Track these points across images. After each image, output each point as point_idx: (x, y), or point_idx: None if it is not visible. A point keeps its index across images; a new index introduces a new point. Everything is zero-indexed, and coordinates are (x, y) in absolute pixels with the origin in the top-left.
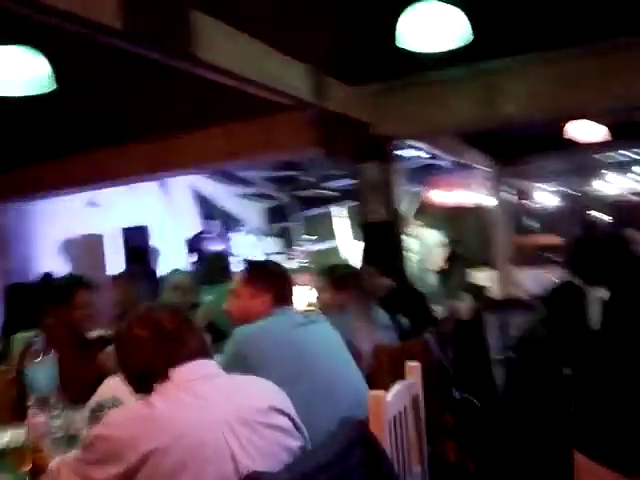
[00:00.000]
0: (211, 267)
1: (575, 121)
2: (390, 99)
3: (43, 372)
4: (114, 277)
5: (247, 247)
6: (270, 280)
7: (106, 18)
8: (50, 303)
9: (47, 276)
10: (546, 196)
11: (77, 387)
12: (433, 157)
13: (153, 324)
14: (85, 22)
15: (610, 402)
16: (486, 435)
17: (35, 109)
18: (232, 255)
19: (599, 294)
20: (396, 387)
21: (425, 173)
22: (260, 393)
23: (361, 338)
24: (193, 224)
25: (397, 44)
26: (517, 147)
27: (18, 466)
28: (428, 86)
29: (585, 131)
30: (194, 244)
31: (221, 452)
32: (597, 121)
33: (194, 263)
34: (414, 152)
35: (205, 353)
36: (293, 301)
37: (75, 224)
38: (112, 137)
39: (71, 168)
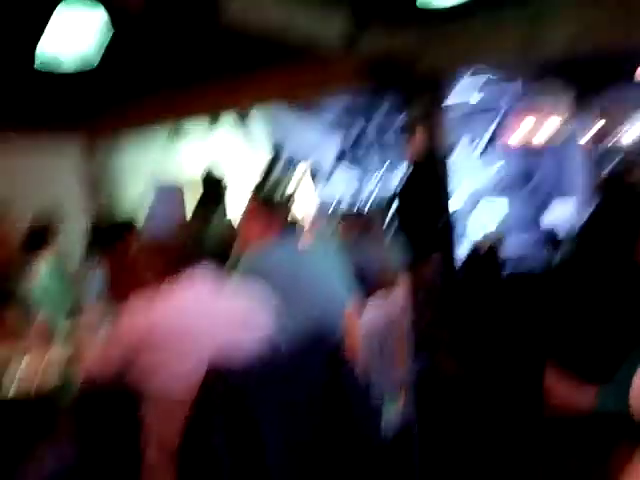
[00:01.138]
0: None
1: None
2: (436, 34)
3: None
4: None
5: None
6: (277, 208)
7: None
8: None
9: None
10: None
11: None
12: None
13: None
14: None
15: (581, 320)
16: (478, 350)
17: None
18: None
19: None
20: (375, 303)
21: (505, 99)
22: (244, 297)
23: (374, 260)
24: (269, 157)
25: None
26: (599, 78)
27: None
28: (474, 19)
29: None
30: (267, 177)
31: (202, 341)
32: None
33: None
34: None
35: (201, 261)
36: (299, 228)
37: (160, 164)
38: (192, 77)
39: (151, 108)
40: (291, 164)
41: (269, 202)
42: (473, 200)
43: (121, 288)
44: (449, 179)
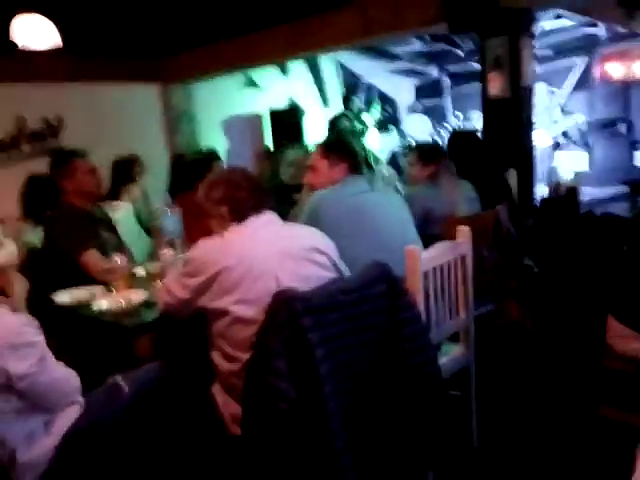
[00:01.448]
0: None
1: None
2: None
3: (172, 220)
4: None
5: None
6: (343, 153)
7: None
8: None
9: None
10: None
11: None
12: (594, 25)
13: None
14: None
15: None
16: (545, 298)
17: None
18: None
19: None
20: (438, 245)
21: (588, 44)
22: (307, 236)
23: (441, 206)
24: (340, 102)
25: None
26: None
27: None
28: None
29: None
30: (336, 123)
31: (268, 273)
32: None
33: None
34: (569, 22)
35: (268, 208)
36: (365, 171)
37: (236, 103)
38: (258, 23)
39: (225, 52)
40: (364, 109)
41: (334, 148)
42: (552, 147)
43: (197, 226)
44: (529, 121)
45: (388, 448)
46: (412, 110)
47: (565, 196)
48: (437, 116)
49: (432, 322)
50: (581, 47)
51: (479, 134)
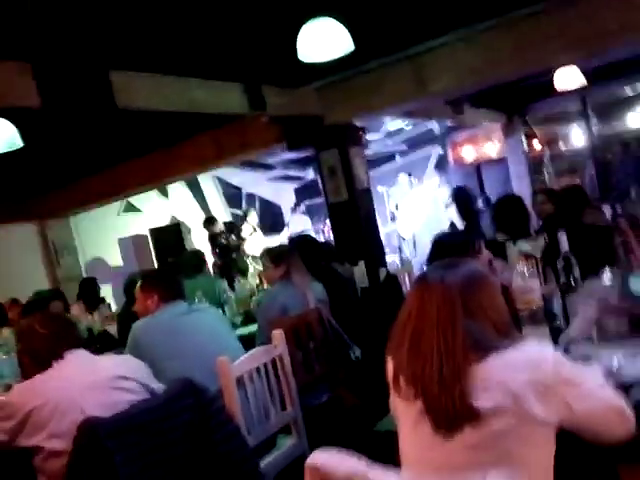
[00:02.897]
0: (186, 263)
1: (559, 70)
2: (335, 92)
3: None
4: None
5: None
6: (152, 285)
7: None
8: None
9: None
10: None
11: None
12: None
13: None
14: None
15: None
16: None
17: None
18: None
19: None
20: (251, 351)
21: (435, 136)
22: (111, 367)
23: (295, 301)
24: (224, 214)
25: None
26: (523, 97)
27: None
28: (366, 75)
29: (569, 79)
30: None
31: (73, 407)
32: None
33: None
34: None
35: (71, 346)
36: (180, 296)
37: (118, 228)
38: (123, 156)
39: (94, 185)
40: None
41: (145, 282)
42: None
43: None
44: (369, 217)
45: None
46: (294, 211)
47: (384, 282)
48: (319, 213)
49: (254, 421)
50: (432, 138)
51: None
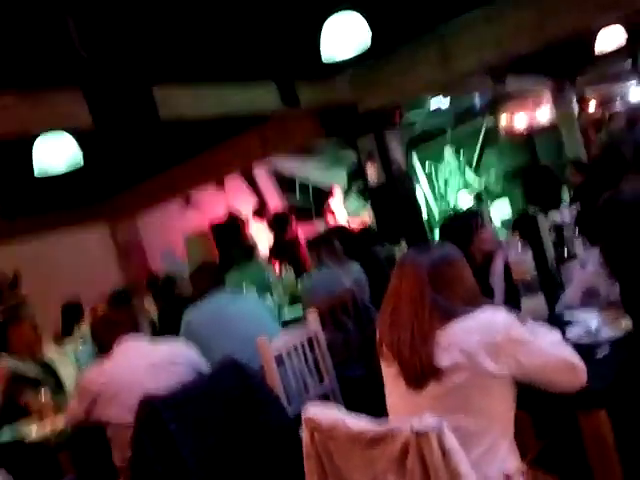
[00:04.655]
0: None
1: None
2: (367, 78)
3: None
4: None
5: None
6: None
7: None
8: None
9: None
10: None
11: None
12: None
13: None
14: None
15: None
16: None
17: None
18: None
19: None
20: (287, 331)
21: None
22: (168, 350)
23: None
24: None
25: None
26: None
27: None
28: (395, 58)
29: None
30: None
31: (135, 387)
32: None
33: None
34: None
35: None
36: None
37: (181, 225)
38: (181, 156)
39: (158, 184)
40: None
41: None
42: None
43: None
44: (409, 198)
45: None
46: (346, 193)
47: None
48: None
49: (294, 393)
50: (479, 111)
51: None
